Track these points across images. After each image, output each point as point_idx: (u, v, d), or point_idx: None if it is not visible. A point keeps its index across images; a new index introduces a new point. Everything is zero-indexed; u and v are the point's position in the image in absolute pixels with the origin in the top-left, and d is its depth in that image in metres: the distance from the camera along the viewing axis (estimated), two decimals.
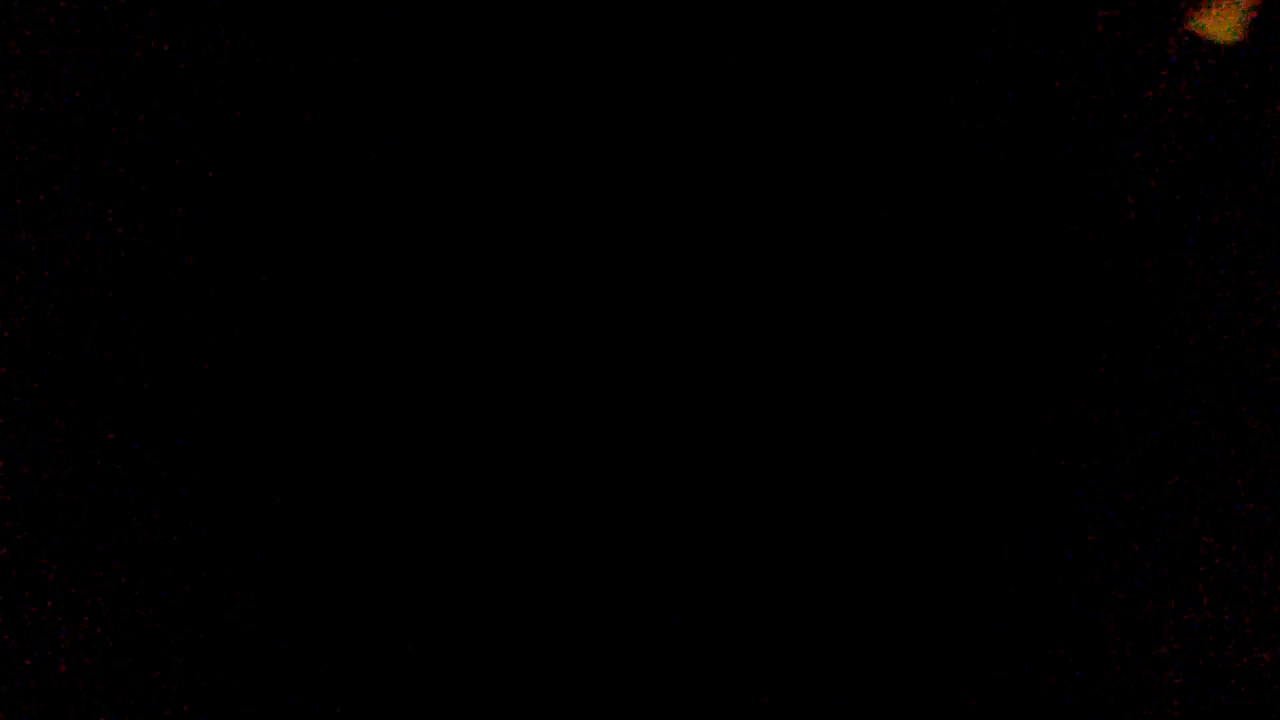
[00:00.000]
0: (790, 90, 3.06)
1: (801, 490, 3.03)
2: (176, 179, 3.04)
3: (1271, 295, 3.00)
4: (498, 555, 3.03)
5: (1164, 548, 2.99)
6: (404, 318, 3.05)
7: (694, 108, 3.07)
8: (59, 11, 3.03)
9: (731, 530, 3.03)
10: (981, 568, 3.01)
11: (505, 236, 3.07)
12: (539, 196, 3.07)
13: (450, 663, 3.00)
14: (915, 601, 3.00)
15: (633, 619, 3.01)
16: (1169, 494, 3.00)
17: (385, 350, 3.05)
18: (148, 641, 2.98)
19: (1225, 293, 3.01)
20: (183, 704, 2.97)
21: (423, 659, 3.00)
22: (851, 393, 3.04)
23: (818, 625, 3.00)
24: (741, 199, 3.06)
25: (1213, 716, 2.96)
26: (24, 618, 2.97)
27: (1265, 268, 3.01)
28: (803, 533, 3.02)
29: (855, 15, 3.06)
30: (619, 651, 3.00)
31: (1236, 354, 3.01)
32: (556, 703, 3.00)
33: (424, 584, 3.01)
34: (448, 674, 3.00)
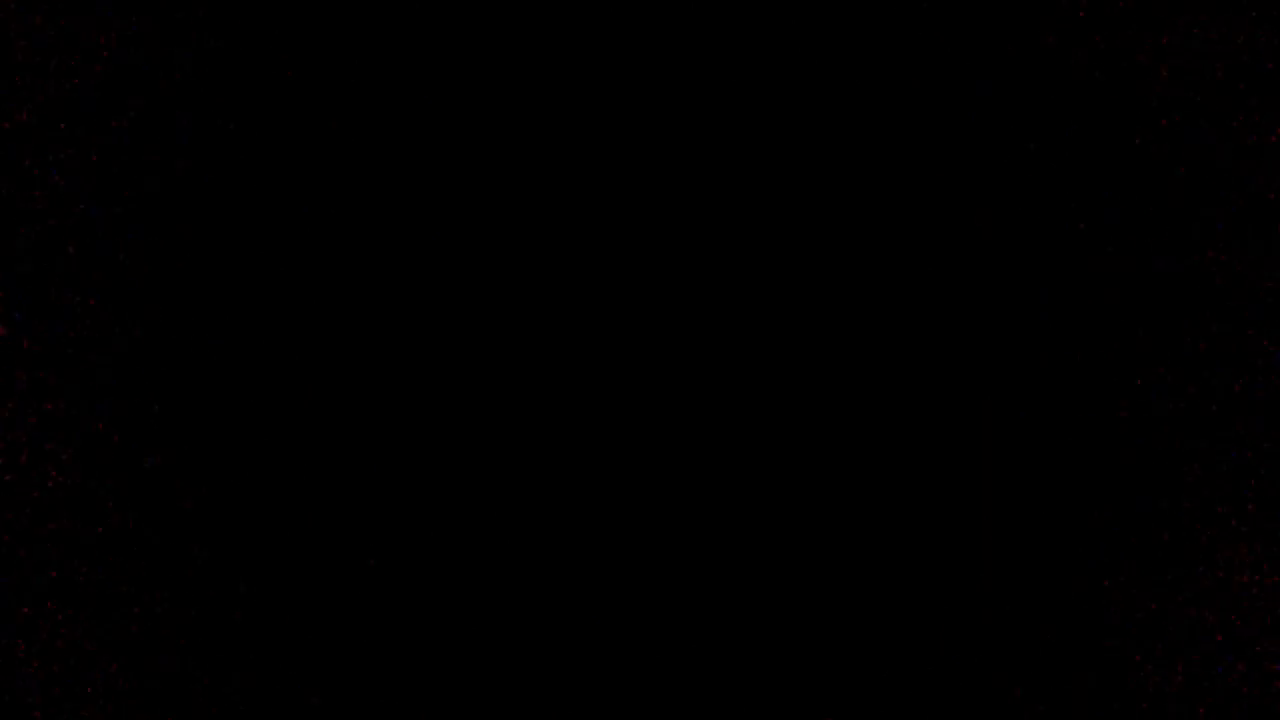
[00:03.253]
0: (792, 91, 3.06)
1: (801, 491, 3.03)
2: (176, 180, 3.04)
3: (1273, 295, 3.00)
4: (497, 555, 3.02)
5: (1166, 547, 2.99)
6: (404, 319, 3.05)
7: (694, 108, 3.07)
8: (59, 13, 3.02)
9: (730, 531, 3.02)
10: (981, 568, 3.01)
11: (505, 237, 3.06)
12: (539, 197, 3.07)
13: (449, 663, 3.00)
14: (915, 603, 3.00)
15: (631, 619, 3.01)
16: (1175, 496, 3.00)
17: (385, 351, 3.04)
18: (147, 641, 2.97)
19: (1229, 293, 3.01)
20: (184, 703, 2.97)
21: (422, 659, 3.00)
22: (852, 394, 3.04)
23: (818, 626, 3.00)
24: (742, 200, 3.06)
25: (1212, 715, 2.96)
26: (23, 617, 2.96)
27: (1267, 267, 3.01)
28: (802, 533, 3.02)
29: (857, 15, 3.05)
30: (618, 651, 3.00)
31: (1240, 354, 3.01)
32: (556, 702, 3.00)
33: (423, 584, 3.01)
34: (447, 674, 3.00)
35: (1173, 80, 3.02)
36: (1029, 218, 3.04)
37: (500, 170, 3.06)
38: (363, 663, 2.99)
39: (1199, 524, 2.98)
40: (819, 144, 3.06)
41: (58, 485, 2.98)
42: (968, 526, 3.01)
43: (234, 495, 3.00)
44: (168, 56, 3.03)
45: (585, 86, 3.06)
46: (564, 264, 3.05)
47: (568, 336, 3.04)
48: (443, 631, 3.00)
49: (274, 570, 2.99)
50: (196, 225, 3.03)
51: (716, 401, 3.03)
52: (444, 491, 3.02)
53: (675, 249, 3.05)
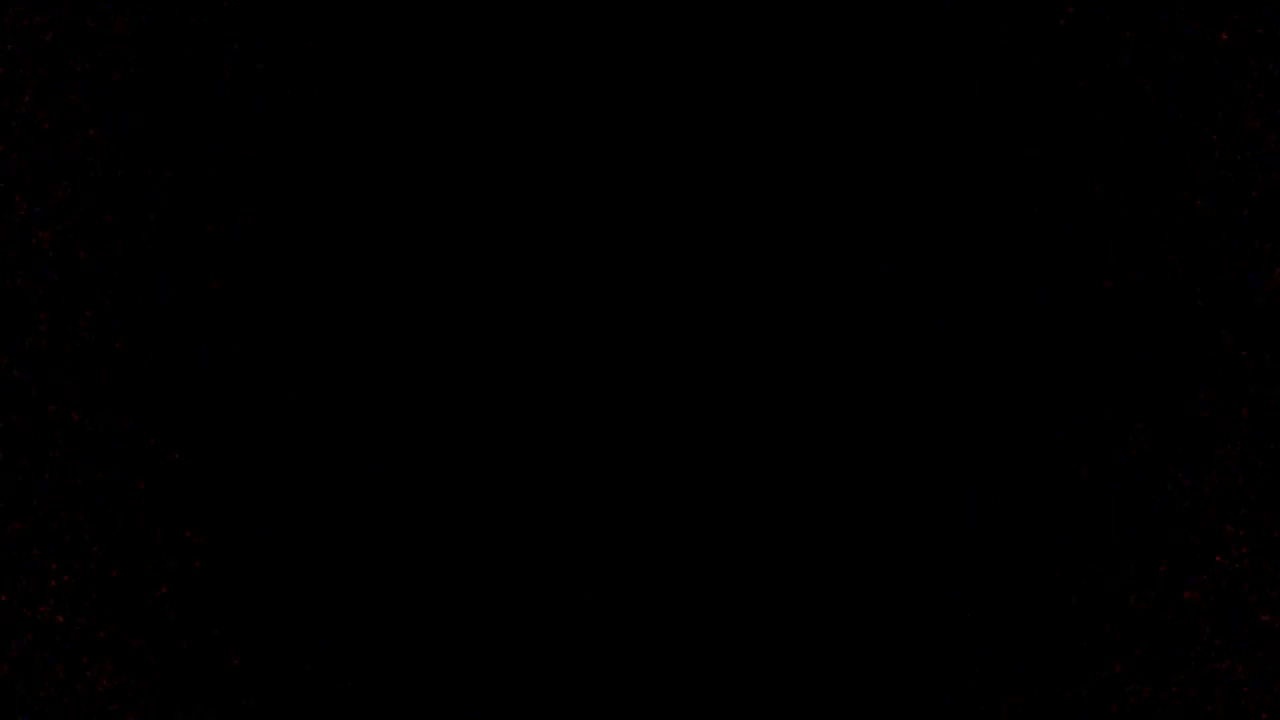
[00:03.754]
0: (800, 91, 3.06)
1: (801, 491, 3.03)
2: (176, 180, 3.04)
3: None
4: (496, 555, 3.02)
5: (1168, 547, 2.99)
6: (404, 319, 3.05)
7: (694, 107, 3.07)
8: (59, 13, 3.03)
9: (730, 531, 3.02)
10: (984, 568, 3.01)
11: (505, 237, 3.06)
12: (539, 197, 3.07)
13: (449, 663, 3.00)
14: (916, 603, 3.00)
15: (631, 619, 3.01)
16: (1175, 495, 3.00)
17: (385, 352, 3.05)
18: (148, 642, 2.98)
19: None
20: (185, 704, 2.97)
21: (422, 658, 3.00)
22: (856, 395, 3.04)
23: (818, 626, 3.00)
24: (742, 200, 3.06)
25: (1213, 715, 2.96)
26: (24, 618, 2.96)
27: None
28: (802, 534, 3.02)
29: (858, 15, 3.05)
30: (618, 652, 3.00)
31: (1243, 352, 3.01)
32: (556, 703, 3.00)
33: (423, 584, 3.01)
34: (447, 674, 3.00)
35: (1174, 79, 3.02)
36: (1029, 218, 3.04)
37: (500, 171, 3.06)
38: (363, 663, 2.99)
39: (1199, 524, 2.98)
40: (818, 143, 3.06)
41: (57, 485, 2.98)
42: (966, 526, 3.01)
43: (233, 496, 3.00)
44: (165, 54, 3.03)
45: (586, 86, 3.06)
46: (565, 264, 3.05)
47: (568, 336, 3.04)
48: (443, 632, 3.00)
49: (274, 571, 3.00)
50: (196, 225, 3.03)
51: (714, 401, 3.03)
52: (444, 492, 3.02)
53: (676, 249, 3.05)
